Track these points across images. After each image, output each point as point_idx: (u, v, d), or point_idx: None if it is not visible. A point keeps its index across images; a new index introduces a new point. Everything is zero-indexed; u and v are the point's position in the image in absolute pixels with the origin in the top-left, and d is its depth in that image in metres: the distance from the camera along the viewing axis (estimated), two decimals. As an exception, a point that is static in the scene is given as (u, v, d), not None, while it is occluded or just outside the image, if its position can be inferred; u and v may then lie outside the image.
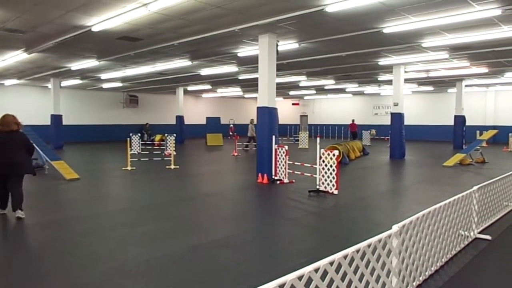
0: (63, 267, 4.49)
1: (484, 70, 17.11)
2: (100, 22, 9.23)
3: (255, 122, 19.36)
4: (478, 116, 27.26)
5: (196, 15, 8.80)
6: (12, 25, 9.67)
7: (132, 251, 5.00)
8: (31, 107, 25.19)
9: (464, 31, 10.31)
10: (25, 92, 25.12)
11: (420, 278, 3.89)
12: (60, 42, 11.21)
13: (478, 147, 15.21)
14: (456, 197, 4.72)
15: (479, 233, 5.57)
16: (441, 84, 23.59)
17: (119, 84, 23.80)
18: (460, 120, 22.13)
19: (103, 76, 19.74)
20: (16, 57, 13.94)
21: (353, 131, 27.57)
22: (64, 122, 22.55)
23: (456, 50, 12.93)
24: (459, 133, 22.16)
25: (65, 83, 22.67)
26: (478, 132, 24.46)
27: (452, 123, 22.90)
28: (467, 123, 22.66)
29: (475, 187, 5.38)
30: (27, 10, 8.54)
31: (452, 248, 4.71)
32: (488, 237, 5.46)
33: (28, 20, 9.28)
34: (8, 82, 22.50)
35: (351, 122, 28.29)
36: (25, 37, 11.04)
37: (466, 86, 22.82)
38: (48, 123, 21.87)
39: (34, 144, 7.35)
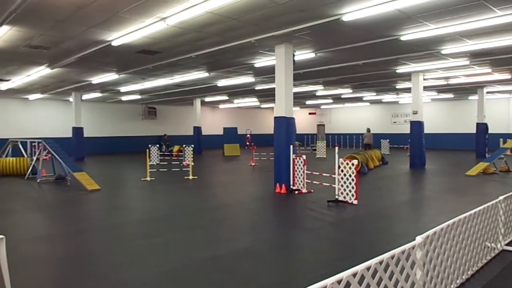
0: (84, 278, 4.54)
1: (507, 76, 16.70)
2: (120, 36, 9.47)
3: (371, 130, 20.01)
4: (501, 124, 26.50)
5: (212, 27, 8.94)
6: (37, 42, 10.02)
7: (152, 262, 5.03)
8: (53, 120, 26.04)
9: (485, 37, 10.11)
10: (48, 106, 25.92)
11: (446, 291, 3.77)
12: (81, 57, 11.55)
13: (502, 156, 14.77)
14: (481, 207, 4.58)
15: (506, 245, 5.37)
16: (462, 91, 23.12)
17: (138, 97, 24.27)
18: (482, 127, 21.59)
19: (123, 89, 20.17)
20: (40, 72, 14.43)
21: None
22: (85, 135, 23.13)
23: (477, 57, 12.68)
24: (482, 141, 21.59)
25: (86, 96, 23.30)
26: (501, 140, 23.77)
27: (473, 131, 22.37)
28: (490, 131, 22.07)
29: (501, 197, 5.20)
30: (51, 28, 8.83)
31: (478, 260, 4.56)
32: (516, 248, 5.27)
33: (52, 37, 9.60)
34: (32, 96, 23.27)
35: None
36: (48, 53, 11.42)
37: (487, 93, 22.28)
38: (70, 135, 22.45)
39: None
